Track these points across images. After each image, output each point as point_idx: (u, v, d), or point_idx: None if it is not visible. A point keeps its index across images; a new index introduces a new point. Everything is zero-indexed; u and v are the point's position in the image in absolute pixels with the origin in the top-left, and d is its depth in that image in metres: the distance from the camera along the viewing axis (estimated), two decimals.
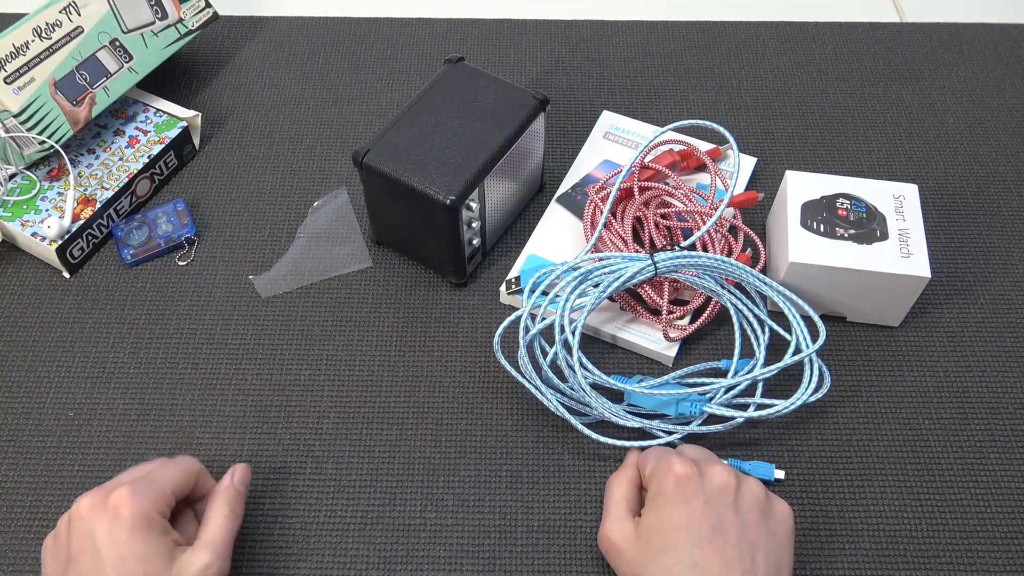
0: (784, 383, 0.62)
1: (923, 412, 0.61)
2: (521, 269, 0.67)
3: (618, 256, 0.59)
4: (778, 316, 0.65)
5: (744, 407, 0.60)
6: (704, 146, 0.73)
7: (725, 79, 0.82)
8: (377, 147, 0.62)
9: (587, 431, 0.57)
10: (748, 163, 0.74)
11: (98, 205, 0.68)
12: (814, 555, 0.56)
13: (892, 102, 0.80)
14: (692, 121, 0.65)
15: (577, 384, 0.57)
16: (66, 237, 0.66)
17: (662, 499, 0.50)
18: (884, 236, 0.62)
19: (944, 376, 0.63)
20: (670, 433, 0.58)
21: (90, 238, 0.68)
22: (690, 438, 0.60)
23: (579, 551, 0.55)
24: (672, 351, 0.62)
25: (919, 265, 0.60)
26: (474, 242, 0.65)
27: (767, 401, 0.58)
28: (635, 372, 0.63)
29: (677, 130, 0.76)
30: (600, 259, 0.60)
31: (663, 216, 0.67)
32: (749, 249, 0.66)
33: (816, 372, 0.58)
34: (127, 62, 0.72)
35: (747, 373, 0.59)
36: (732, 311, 0.61)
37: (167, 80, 0.81)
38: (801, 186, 0.65)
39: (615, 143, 0.74)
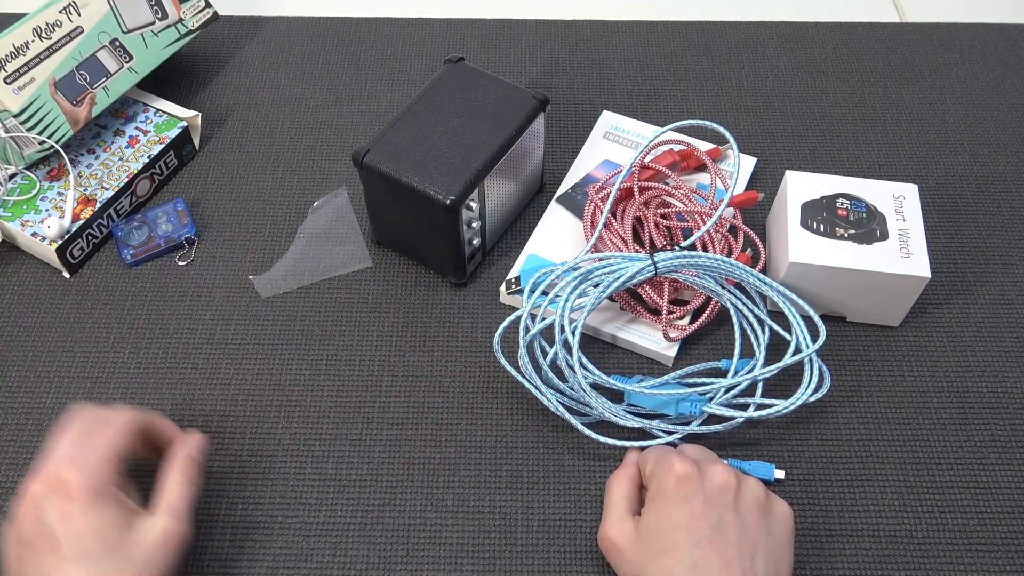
0: (784, 383, 0.62)
1: (923, 412, 0.61)
2: (521, 269, 0.67)
3: (618, 256, 0.59)
4: (778, 316, 0.65)
5: (744, 407, 0.60)
6: (704, 146, 0.73)
7: (725, 79, 0.82)
8: (377, 147, 0.62)
9: (587, 431, 0.57)
10: (748, 163, 0.74)
11: (98, 205, 0.68)
12: (814, 555, 0.56)
13: (892, 102, 0.80)
14: (692, 121, 0.65)
15: (577, 384, 0.57)
16: (66, 237, 0.66)
17: (662, 499, 0.50)
18: (884, 236, 0.62)
19: (944, 376, 0.63)
20: (670, 433, 0.58)
21: (90, 238, 0.68)
22: (690, 438, 0.60)
23: (579, 551, 0.56)
24: (672, 351, 0.62)
25: (919, 265, 0.60)
26: (474, 242, 0.65)
27: (767, 401, 0.58)
28: (635, 372, 0.63)
29: (677, 130, 0.76)
30: (600, 259, 0.60)
31: (663, 216, 0.67)
32: (749, 249, 0.66)
33: (816, 372, 0.58)
34: (127, 62, 0.72)
35: (747, 373, 0.59)
36: (732, 311, 0.61)
37: (167, 80, 0.81)
38: (801, 186, 0.65)
39: (615, 143, 0.74)
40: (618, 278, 0.58)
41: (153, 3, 0.73)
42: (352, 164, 0.71)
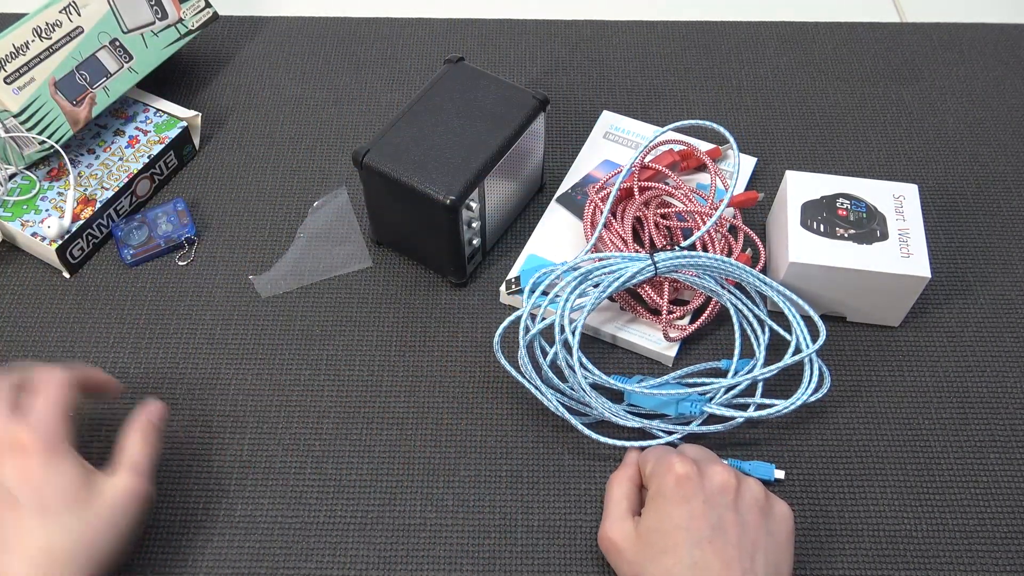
0: (784, 383, 0.62)
1: (923, 412, 0.61)
2: (521, 269, 0.67)
3: (618, 256, 0.59)
4: (778, 316, 0.65)
5: (744, 407, 0.60)
6: (704, 146, 0.73)
7: (725, 79, 0.82)
8: (377, 147, 0.62)
9: (587, 431, 0.57)
10: (748, 163, 0.74)
11: (98, 205, 0.68)
12: (814, 555, 0.56)
13: (892, 102, 0.80)
14: (692, 121, 0.65)
15: (577, 384, 0.57)
16: (66, 237, 0.66)
17: (662, 499, 0.50)
18: (884, 236, 0.62)
19: (944, 376, 0.63)
20: (670, 433, 0.58)
21: (90, 238, 0.68)
22: (690, 438, 0.60)
23: (579, 551, 0.56)
24: (672, 351, 0.62)
25: (919, 265, 0.60)
26: (474, 242, 0.65)
27: (767, 401, 0.58)
28: (635, 372, 0.63)
29: (677, 130, 0.76)
30: (600, 259, 0.60)
31: (663, 216, 0.67)
32: (749, 249, 0.66)
33: (816, 372, 0.58)
34: (127, 62, 0.72)
35: (747, 373, 0.59)
36: (732, 311, 0.61)
37: (167, 80, 0.81)
38: (801, 186, 0.65)
39: (615, 143, 0.74)
40: (618, 278, 0.58)
41: (153, 3, 0.73)
42: (352, 164, 0.71)
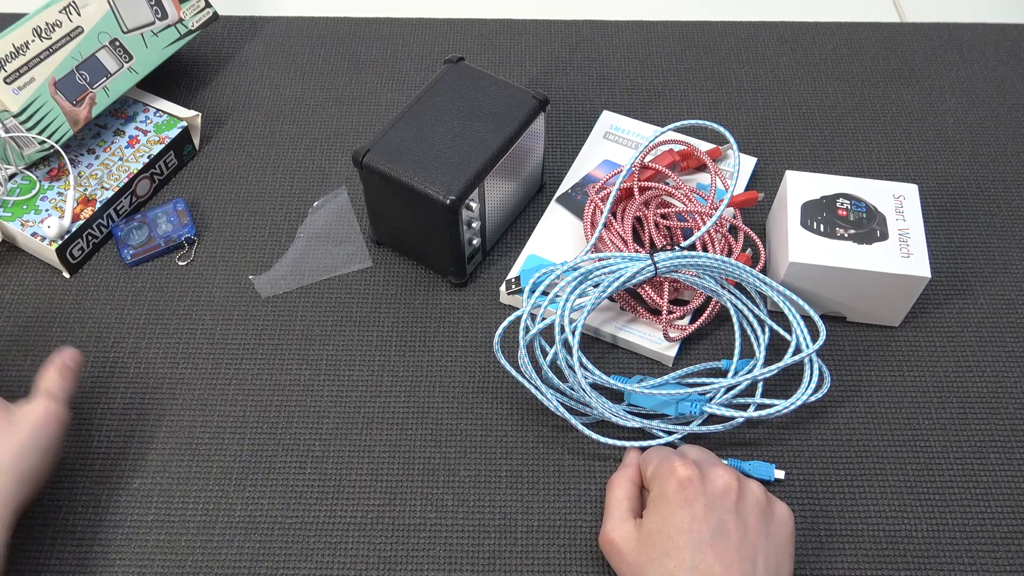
0: (784, 383, 0.62)
1: (923, 412, 0.61)
2: (521, 269, 0.67)
3: (618, 256, 0.59)
4: (778, 316, 0.65)
5: (744, 407, 0.60)
6: (704, 146, 0.73)
7: (725, 79, 0.82)
8: (377, 147, 0.62)
9: (587, 431, 0.57)
10: (748, 163, 0.74)
11: (98, 205, 0.68)
12: (814, 555, 0.56)
13: (892, 102, 0.80)
14: (692, 121, 0.65)
15: (577, 384, 0.57)
16: (66, 237, 0.66)
17: (664, 501, 0.50)
18: (884, 236, 0.62)
19: (944, 376, 0.63)
20: (670, 433, 0.58)
21: (90, 238, 0.68)
22: (690, 438, 0.60)
23: (579, 551, 0.56)
24: (672, 351, 0.62)
25: (919, 265, 0.60)
26: (474, 242, 0.65)
27: (767, 401, 0.58)
28: (635, 372, 0.63)
29: (677, 130, 0.76)
30: (600, 259, 0.60)
31: (663, 216, 0.67)
32: (749, 249, 0.66)
33: (816, 372, 0.58)
34: (127, 62, 0.72)
35: (747, 373, 0.59)
36: (732, 311, 0.61)
37: (167, 80, 0.81)
38: (801, 186, 0.65)
39: (615, 143, 0.74)
40: (618, 278, 0.58)
41: (153, 3, 0.73)
42: (352, 164, 0.71)
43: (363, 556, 0.55)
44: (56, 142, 0.68)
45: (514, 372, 0.58)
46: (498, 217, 0.67)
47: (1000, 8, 0.90)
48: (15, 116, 0.65)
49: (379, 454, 0.59)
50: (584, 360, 0.57)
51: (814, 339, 0.64)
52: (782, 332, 0.61)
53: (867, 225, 0.62)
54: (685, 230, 0.69)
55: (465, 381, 0.63)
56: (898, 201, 0.64)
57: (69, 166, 0.68)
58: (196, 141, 0.75)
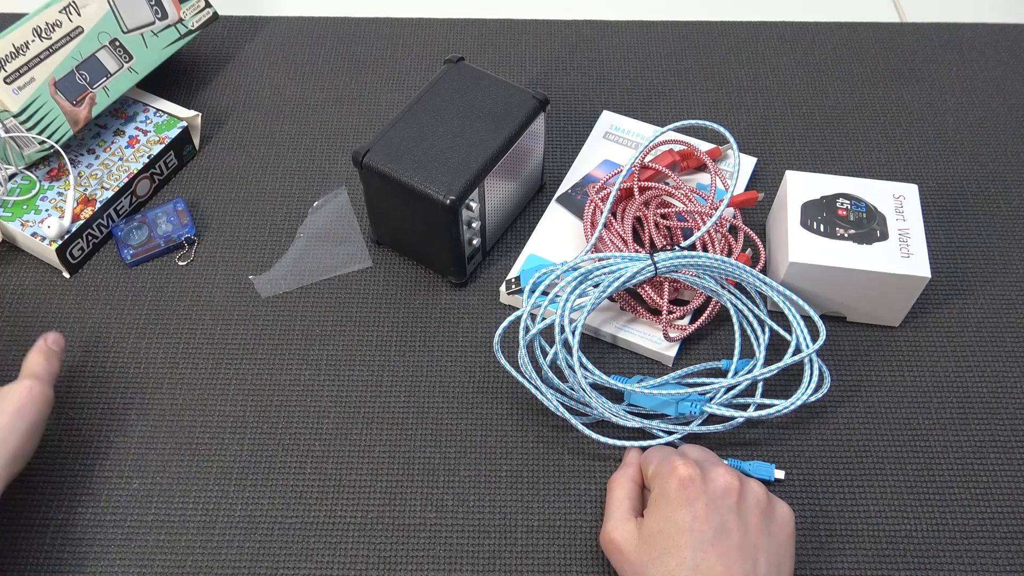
0: (784, 383, 0.62)
1: (923, 412, 0.61)
2: (521, 269, 0.67)
3: (618, 256, 0.59)
4: (778, 316, 0.65)
5: (744, 407, 0.60)
6: (704, 146, 0.73)
7: (725, 79, 0.82)
8: (377, 147, 0.62)
9: (587, 431, 0.57)
10: (748, 163, 0.74)
11: (98, 205, 0.68)
12: (814, 555, 0.56)
13: (892, 102, 0.80)
14: (692, 121, 0.65)
15: (577, 384, 0.57)
16: (66, 237, 0.66)
17: (665, 500, 0.50)
18: (884, 236, 0.62)
19: (944, 376, 0.63)
20: (670, 433, 0.58)
21: (90, 238, 0.68)
22: (690, 438, 0.60)
23: (579, 551, 0.56)
24: (672, 351, 0.62)
25: (919, 265, 0.60)
26: (474, 242, 0.65)
27: (767, 401, 0.58)
28: (635, 372, 0.63)
29: (677, 130, 0.76)
30: (600, 259, 0.60)
31: (663, 216, 0.67)
32: (749, 249, 0.66)
33: (816, 372, 0.58)
34: (127, 62, 0.72)
35: (747, 373, 0.59)
36: (732, 311, 0.61)
37: (167, 80, 0.81)
38: (801, 186, 0.65)
39: (615, 143, 0.74)
40: (618, 278, 0.58)
41: (153, 3, 0.73)
42: (352, 164, 0.71)
43: (363, 556, 0.55)
44: (56, 142, 0.68)
45: (514, 372, 0.58)
46: (498, 217, 0.67)
47: (1000, 8, 0.90)
48: (15, 116, 0.65)
49: (379, 454, 0.59)
50: (584, 360, 0.57)
51: (814, 339, 0.64)
52: (782, 332, 0.61)
53: (867, 225, 0.62)
54: (685, 230, 0.69)
55: (465, 381, 0.63)
56: (898, 201, 0.64)
57: (69, 166, 0.68)
58: (196, 141, 0.75)
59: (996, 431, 0.61)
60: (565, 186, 0.71)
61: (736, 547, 0.48)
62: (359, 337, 0.65)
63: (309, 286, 0.68)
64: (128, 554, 0.55)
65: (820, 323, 0.59)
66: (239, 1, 0.89)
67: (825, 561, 0.55)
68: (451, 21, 0.87)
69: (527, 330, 0.58)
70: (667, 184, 0.69)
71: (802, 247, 0.61)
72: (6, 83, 0.65)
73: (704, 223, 0.64)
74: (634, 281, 0.58)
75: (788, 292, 0.60)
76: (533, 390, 0.58)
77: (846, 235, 0.62)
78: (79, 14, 0.69)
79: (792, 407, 0.56)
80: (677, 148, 0.72)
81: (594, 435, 0.57)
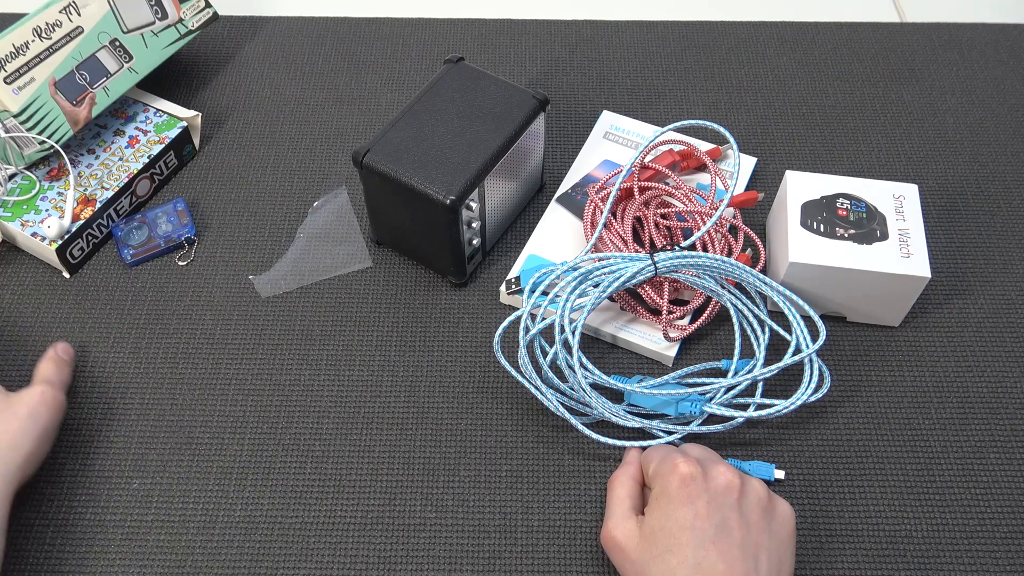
0: (784, 383, 0.62)
1: (923, 412, 0.62)
2: (521, 269, 0.67)
3: (618, 256, 0.59)
4: (778, 316, 0.65)
5: (744, 407, 0.60)
6: (704, 146, 0.73)
7: (725, 79, 0.82)
8: (377, 147, 0.62)
9: (587, 431, 0.57)
10: (748, 163, 0.74)
11: (98, 205, 0.68)
12: (814, 555, 0.56)
13: (892, 102, 0.80)
14: (692, 121, 0.65)
15: (577, 384, 0.57)
16: (66, 237, 0.66)
17: (666, 499, 0.50)
18: (884, 236, 0.62)
19: (944, 376, 0.63)
20: (670, 433, 0.58)
21: (90, 238, 0.68)
22: (690, 438, 0.60)
23: (579, 551, 0.56)
24: (672, 351, 0.62)
25: (919, 265, 0.60)
26: (474, 242, 0.65)
27: (767, 401, 0.58)
28: (635, 372, 0.63)
29: (677, 130, 0.76)
30: (600, 259, 0.60)
31: (663, 216, 0.67)
32: (749, 249, 0.66)
33: (816, 372, 0.58)
34: (127, 62, 0.72)
35: (747, 373, 0.59)
36: (732, 311, 0.61)
37: (167, 80, 0.81)
38: (801, 186, 0.65)
39: (615, 143, 0.74)
40: (618, 278, 0.58)
41: (153, 3, 0.73)
42: (352, 164, 0.71)
43: (363, 556, 0.55)
44: (56, 142, 0.68)
45: (514, 372, 0.58)
46: (498, 217, 0.67)
47: (1000, 8, 0.90)
48: (15, 116, 0.65)
49: (379, 454, 0.59)
50: (584, 360, 0.57)
51: (814, 339, 0.64)
52: (782, 332, 0.61)
53: (867, 225, 0.62)
54: (685, 230, 0.69)
55: (465, 381, 0.63)
56: (898, 201, 0.64)
57: (69, 166, 0.68)
58: (196, 141, 0.75)
59: (996, 431, 0.61)
60: (565, 186, 0.71)
61: (737, 545, 0.48)
62: (359, 337, 0.65)
63: (309, 286, 0.68)
64: (128, 554, 0.55)
65: (820, 323, 0.59)
66: (239, 1, 0.89)
67: (825, 561, 0.55)
68: (451, 21, 0.87)
69: (527, 330, 0.58)
70: (667, 184, 0.69)
71: (802, 247, 0.61)
72: (6, 83, 0.65)
73: (704, 223, 0.64)
74: (634, 281, 0.58)
75: (788, 292, 0.60)
76: (533, 390, 0.58)
77: (846, 235, 0.62)
78: (79, 14, 0.69)
79: (792, 407, 0.56)
80: (677, 148, 0.72)
81: (594, 435, 0.57)
